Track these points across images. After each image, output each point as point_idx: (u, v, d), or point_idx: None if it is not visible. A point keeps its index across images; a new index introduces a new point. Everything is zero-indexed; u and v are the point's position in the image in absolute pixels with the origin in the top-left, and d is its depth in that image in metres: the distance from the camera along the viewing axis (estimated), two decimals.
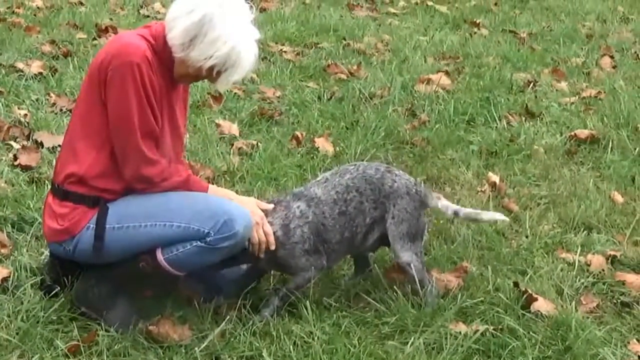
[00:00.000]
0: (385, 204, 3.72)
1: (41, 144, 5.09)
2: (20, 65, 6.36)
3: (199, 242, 3.39)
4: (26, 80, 6.12)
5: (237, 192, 3.95)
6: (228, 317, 3.55)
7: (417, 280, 3.72)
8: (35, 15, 8.08)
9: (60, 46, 7.01)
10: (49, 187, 4.38)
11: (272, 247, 3.54)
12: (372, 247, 3.87)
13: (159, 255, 3.42)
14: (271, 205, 3.63)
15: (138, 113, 3.32)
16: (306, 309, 3.59)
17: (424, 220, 3.84)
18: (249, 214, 3.46)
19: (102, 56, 3.37)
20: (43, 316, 3.45)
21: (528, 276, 4.11)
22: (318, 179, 3.81)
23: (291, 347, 3.42)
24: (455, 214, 3.91)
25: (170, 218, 3.40)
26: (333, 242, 3.65)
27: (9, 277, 3.68)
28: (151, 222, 3.41)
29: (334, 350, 3.41)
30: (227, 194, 3.62)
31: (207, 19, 3.35)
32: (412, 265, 3.72)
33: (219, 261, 3.47)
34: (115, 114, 3.34)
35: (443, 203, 3.92)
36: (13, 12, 8.05)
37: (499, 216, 4.00)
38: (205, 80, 3.56)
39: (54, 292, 3.57)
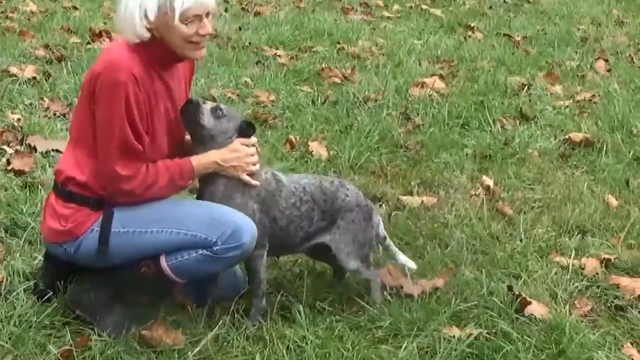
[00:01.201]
0: (334, 216, 3.75)
1: (34, 149, 5.08)
2: (13, 69, 6.37)
3: (204, 251, 3.38)
4: (20, 84, 6.12)
5: None
6: (221, 321, 3.53)
7: (375, 288, 3.81)
8: (29, 19, 8.09)
9: (54, 50, 7.01)
10: (44, 191, 4.40)
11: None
12: (310, 253, 3.93)
13: (163, 262, 3.41)
14: (254, 140, 3.61)
15: (119, 135, 3.27)
16: (299, 313, 3.59)
17: (372, 233, 3.85)
18: (254, 225, 3.45)
19: (93, 69, 3.35)
20: (36, 321, 3.43)
21: (522, 280, 4.10)
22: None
23: (284, 351, 3.41)
24: (384, 239, 3.96)
25: (178, 225, 3.39)
26: (278, 224, 3.63)
27: (2, 281, 3.67)
28: (157, 228, 3.39)
29: (327, 354, 3.40)
30: (210, 157, 3.49)
31: None
32: (359, 270, 3.79)
33: None
34: (98, 131, 3.32)
35: (380, 224, 3.94)
36: (7, 16, 8.06)
37: (411, 264, 3.97)
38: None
39: (47, 296, 3.55)
